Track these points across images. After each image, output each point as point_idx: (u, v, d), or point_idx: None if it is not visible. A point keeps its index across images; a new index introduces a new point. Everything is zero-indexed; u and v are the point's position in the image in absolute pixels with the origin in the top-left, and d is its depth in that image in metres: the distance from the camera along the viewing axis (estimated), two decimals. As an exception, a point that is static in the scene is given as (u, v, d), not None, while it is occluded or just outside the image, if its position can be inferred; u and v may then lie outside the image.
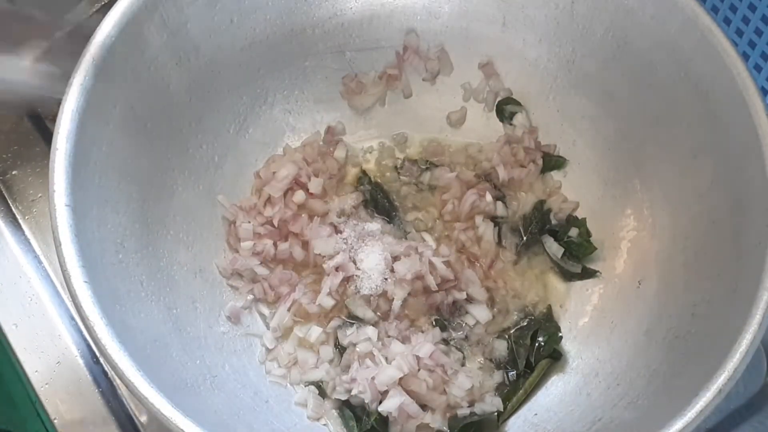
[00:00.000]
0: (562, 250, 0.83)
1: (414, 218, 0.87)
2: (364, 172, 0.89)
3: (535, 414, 0.77)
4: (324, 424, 0.76)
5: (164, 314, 0.72)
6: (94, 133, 0.68)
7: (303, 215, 0.84)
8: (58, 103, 0.66)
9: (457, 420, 0.76)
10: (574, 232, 0.84)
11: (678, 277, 0.74)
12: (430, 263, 0.80)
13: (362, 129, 0.91)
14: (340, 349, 0.80)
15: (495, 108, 0.90)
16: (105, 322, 0.60)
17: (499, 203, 0.86)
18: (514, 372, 0.80)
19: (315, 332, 0.79)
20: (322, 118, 0.90)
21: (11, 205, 0.90)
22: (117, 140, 0.71)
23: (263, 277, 0.82)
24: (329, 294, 0.79)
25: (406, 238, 0.84)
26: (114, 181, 0.70)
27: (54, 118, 0.66)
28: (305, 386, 0.78)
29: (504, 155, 0.87)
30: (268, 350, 0.79)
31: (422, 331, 0.80)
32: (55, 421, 0.79)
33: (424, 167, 0.89)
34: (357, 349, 0.78)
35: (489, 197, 0.85)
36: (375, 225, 0.83)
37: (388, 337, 0.79)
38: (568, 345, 0.81)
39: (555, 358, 0.80)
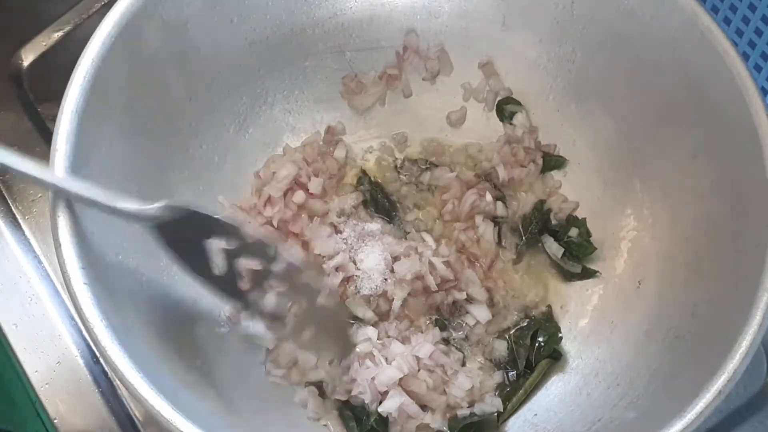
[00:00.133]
0: (562, 250, 0.83)
1: (414, 218, 0.87)
2: (364, 171, 0.89)
3: (535, 414, 0.77)
4: (324, 425, 0.76)
5: (164, 315, 0.72)
6: (94, 133, 0.67)
7: (303, 215, 0.84)
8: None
9: (457, 420, 0.76)
10: (574, 232, 0.84)
11: (678, 277, 0.74)
12: (430, 263, 0.80)
13: (362, 129, 0.91)
14: (341, 349, 0.80)
15: (495, 108, 0.90)
16: (105, 324, 0.59)
17: (499, 203, 0.86)
18: (514, 372, 0.80)
19: (315, 332, 0.79)
20: (322, 118, 0.90)
21: (11, 205, 0.89)
22: (117, 140, 0.71)
23: (263, 277, 0.81)
24: (329, 294, 0.79)
25: (406, 238, 0.84)
26: (114, 181, 0.70)
27: (54, 118, 0.66)
28: (305, 387, 0.78)
29: (504, 155, 0.87)
30: (269, 351, 0.79)
31: (422, 332, 0.80)
32: (55, 421, 0.79)
33: (424, 167, 0.89)
34: (357, 349, 0.77)
35: (489, 197, 0.85)
36: (375, 225, 0.83)
37: (388, 337, 0.79)
38: (568, 345, 0.81)
39: (555, 358, 0.80)
